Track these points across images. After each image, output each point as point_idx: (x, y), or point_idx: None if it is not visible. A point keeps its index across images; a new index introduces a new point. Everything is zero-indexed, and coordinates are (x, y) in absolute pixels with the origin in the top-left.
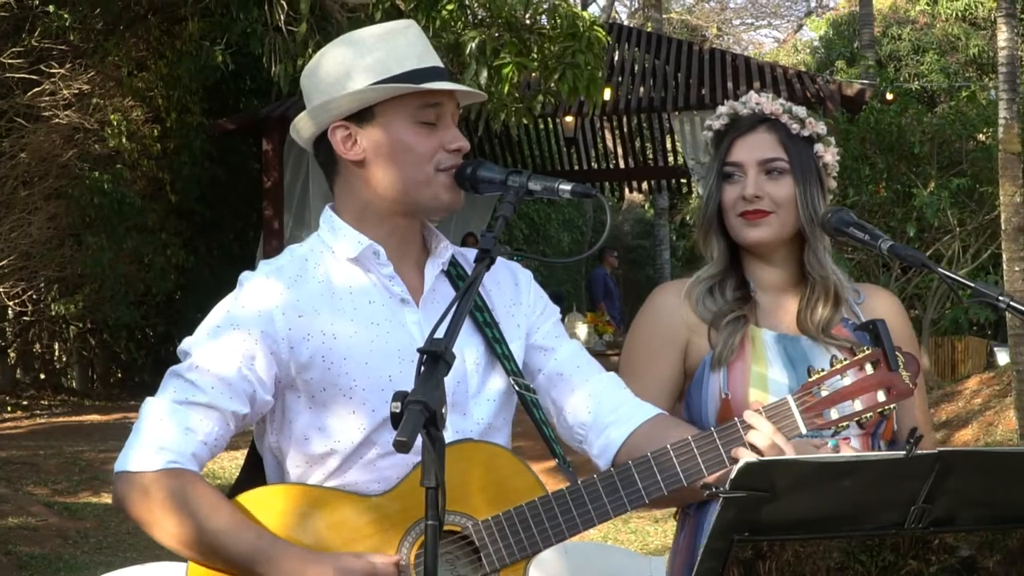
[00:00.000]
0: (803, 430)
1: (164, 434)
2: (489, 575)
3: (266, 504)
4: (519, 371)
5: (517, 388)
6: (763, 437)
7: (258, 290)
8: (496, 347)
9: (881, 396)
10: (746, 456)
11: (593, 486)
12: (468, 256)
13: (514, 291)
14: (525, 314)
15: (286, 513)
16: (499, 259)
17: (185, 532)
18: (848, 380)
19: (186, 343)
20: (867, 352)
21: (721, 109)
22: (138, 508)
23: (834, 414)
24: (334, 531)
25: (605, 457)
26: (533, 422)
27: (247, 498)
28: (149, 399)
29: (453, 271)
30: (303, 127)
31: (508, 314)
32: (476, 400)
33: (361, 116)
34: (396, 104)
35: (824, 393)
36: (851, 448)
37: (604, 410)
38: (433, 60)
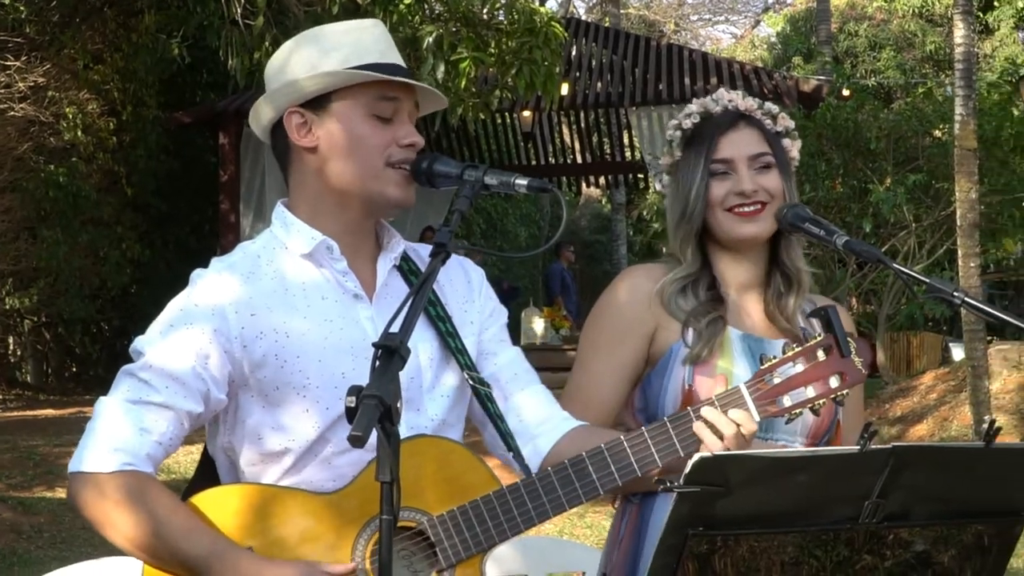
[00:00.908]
0: (756, 417)
1: (119, 435)
2: (445, 570)
3: (220, 505)
4: (473, 365)
5: (471, 382)
6: (708, 434)
7: (211, 288)
8: (450, 341)
9: (834, 382)
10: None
11: (548, 479)
12: (420, 251)
13: (467, 288)
14: (478, 311)
15: (240, 513)
16: (453, 256)
17: (140, 535)
18: (800, 367)
19: (139, 342)
20: (819, 339)
21: (691, 107)
22: (93, 509)
23: (787, 401)
24: (289, 530)
25: (532, 465)
26: (488, 416)
27: (201, 499)
28: (103, 398)
29: (405, 266)
30: (263, 112)
31: (461, 310)
32: (431, 395)
33: (317, 103)
34: (352, 94)
35: (777, 380)
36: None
37: (534, 420)
38: (395, 58)
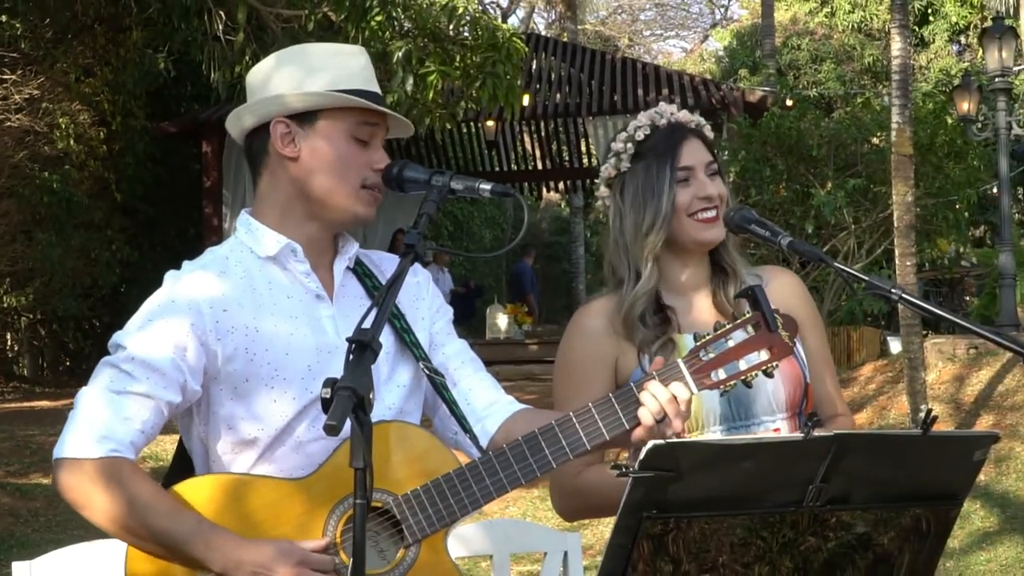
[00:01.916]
0: (694, 390)
1: (103, 423)
2: (411, 546)
3: (196, 492)
4: (427, 357)
5: (427, 372)
6: (647, 397)
7: (186, 285)
8: (404, 336)
9: (764, 355)
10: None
11: (503, 455)
12: (371, 256)
13: (416, 287)
14: (427, 307)
15: (214, 500)
16: (394, 257)
17: (124, 516)
18: (732, 343)
19: (118, 336)
20: (747, 316)
21: (640, 120)
22: (77, 492)
23: (722, 374)
24: (261, 513)
25: (481, 444)
26: (444, 402)
27: (179, 488)
28: (84, 388)
29: (359, 269)
30: (244, 118)
31: (413, 307)
32: (387, 386)
33: (304, 118)
34: (338, 115)
35: (711, 355)
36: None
37: (481, 404)
38: (376, 88)
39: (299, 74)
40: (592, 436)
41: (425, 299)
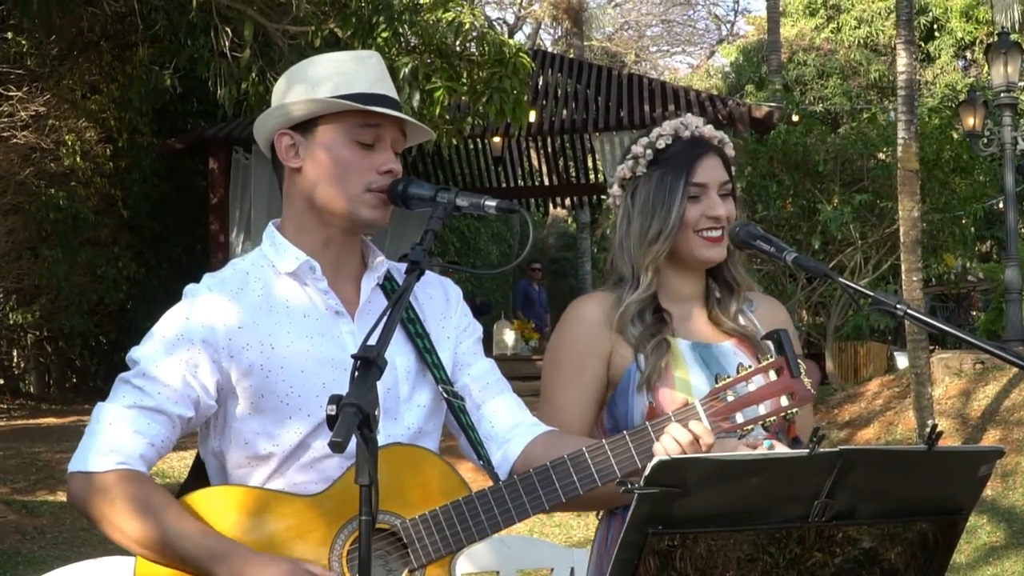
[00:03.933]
0: (710, 439)
1: (115, 436)
2: (417, 569)
3: (208, 504)
4: (448, 379)
5: (445, 395)
6: (668, 440)
7: (202, 302)
8: (427, 356)
9: (784, 401)
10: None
11: (513, 486)
12: (403, 270)
13: (445, 305)
14: (454, 326)
15: (226, 512)
16: (433, 275)
17: (143, 532)
18: (753, 386)
19: (134, 352)
20: (771, 360)
21: (664, 128)
22: (90, 505)
23: (740, 418)
24: (271, 528)
25: (503, 469)
26: (459, 427)
27: (191, 499)
28: (101, 404)
29: (388, 285)
30: (256, 131)
31: (439, 326)
32: (407, 406)
33: (305, 127)
34: (336, 120)
35: (731, 398)
36: (782, 446)
37: (505, 426)
38: (384, 89)
39: (305, 85)
40: (603, 472)
41: (452, 318)
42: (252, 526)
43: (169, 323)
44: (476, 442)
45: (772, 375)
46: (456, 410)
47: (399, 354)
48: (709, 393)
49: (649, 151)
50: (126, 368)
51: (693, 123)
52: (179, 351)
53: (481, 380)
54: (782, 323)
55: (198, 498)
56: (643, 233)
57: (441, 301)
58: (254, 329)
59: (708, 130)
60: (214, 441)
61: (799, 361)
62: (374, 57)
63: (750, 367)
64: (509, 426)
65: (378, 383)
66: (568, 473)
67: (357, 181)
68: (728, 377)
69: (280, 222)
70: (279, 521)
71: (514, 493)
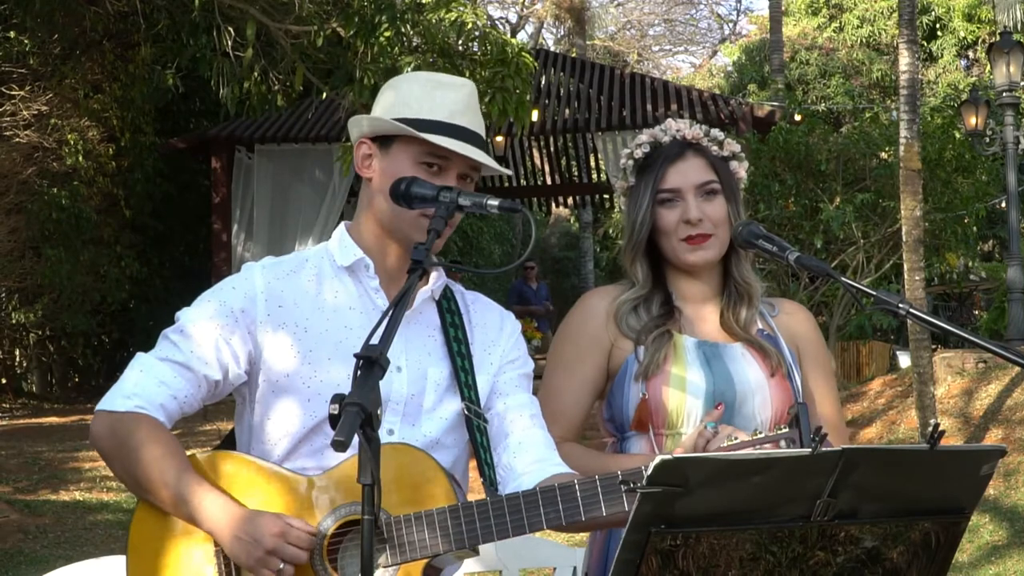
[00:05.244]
0: None
1: (139, 383)
2: (390, 567)
3: (211, 464)
4: (476, 400)
5: (467, 413)
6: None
7: (252, 276)
8: (461, 375)
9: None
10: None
11: (500, 505)
12: (467, 296)
13: (497, 334)
14: (500, 355)
15: (226, 475)
16: (496, 306)
17: (131, 465)
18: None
19: (181, 312)
20: (784, 431)
21: (641, 137)
22: (103, 442)
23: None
24: (265, 500)
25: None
26: (472, 444)
27: (201, 458)
28: (140, 353)
29: (444, 303)
30: (351, 133)
31: (484, 351)
32: (429, 416)
33: (383, 141)
34: (407, 143)
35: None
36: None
37: (525, 461)
38: (465, 121)
39: (394, 100)
40: (589, 508)
41: (500, 346)
42: (245, 493)
43: (217, 289)
44: (486, 462)
45: (783, 444)
46: (474, 428)
47: (433, 365)
48: (718, 451)
49: (631, 162)
50: (126, 368)
51: (673, 127)
52: (218, 317)
53: (516, 411)
54: (805, 331)
55: (204, 458)
56: (627, 240)
57: (494, 329)
58: (293, 310)
59: (692, 131)
60: (248, 415)
61: (814, 437)
62: (467, 87)
63: (763, 435)
64: (531, 460)
65: (402, 389)
66: (554, 501)
67: None
68: (735, 439)
69: (350, 223)
70: (272, 494)
71: (499, 512)
